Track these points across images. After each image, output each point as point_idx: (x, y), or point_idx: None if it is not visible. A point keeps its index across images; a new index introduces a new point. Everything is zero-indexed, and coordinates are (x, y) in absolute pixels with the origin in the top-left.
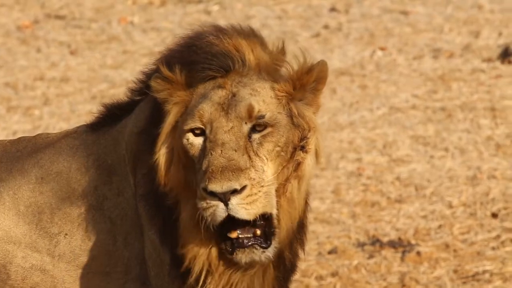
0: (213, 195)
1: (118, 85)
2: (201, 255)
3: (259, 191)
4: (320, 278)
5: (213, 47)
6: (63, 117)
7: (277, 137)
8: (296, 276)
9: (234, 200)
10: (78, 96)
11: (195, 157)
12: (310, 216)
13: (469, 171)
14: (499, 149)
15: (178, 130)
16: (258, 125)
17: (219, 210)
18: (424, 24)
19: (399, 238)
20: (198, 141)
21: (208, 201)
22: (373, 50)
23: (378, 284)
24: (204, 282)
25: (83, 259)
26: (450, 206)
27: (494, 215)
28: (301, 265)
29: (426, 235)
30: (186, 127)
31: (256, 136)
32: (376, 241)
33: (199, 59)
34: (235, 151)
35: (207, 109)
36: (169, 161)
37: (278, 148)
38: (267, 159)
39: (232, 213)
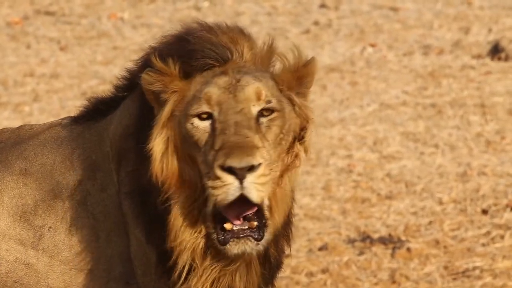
0: (230, 171)
1: (108, 81)
2: (187, 249)
3: (269, 173)
4: (310, 274)
5: (211, 38)
6: (53, 113)
7: (282, 123)
8: (286, 272)
9: (249, 178)
10: (68, 92)
11: (200, 141)
12: (301, 213)
13: (459, 167)
14: (489, 146)
15: (174, 120)
16: (266, 110)
17: (233, 189)
18: (414, 20)
19: (390, 235)
20: (204, 124)
21: (222, 180)
22: (363, 46)
23: (369, 280)
24: (186, 277)
25: (66, 254)
26: (440, 202)
27: (484, 212)
28: (291, 262)
29: (416, 232)
30: (192, 112)
31: (263, 120)
32: (366, 238)
33: (197, 48)
34: (248, 130)
35: (214, 91)
36: (164, 152)
37: (281, 135)
38: (272, 144)
39: (246, 192)
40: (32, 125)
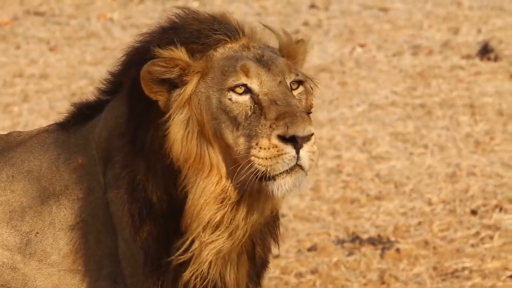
0: (291, 140)
1: (97, 82)
2: (201, 224)
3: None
4: (299, 275)
5: (207, 18)
6: (42, 113)
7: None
8: (276, 273)
9: (306, 147)
10: (58, 92)
11: (240, 115)
12: (290, 213)
13: (448, 168)
14: (478, 146)
15: (197, 98)
16: (294, 82)
17: (289, 158)
18: (404, 20)
19: (379, 235)
20: (243, 98)
21: (279, 149)
22: (352, 47)
23: (358, 281)
24: (188, 249)
25: (55, 257)
26: (430, 203)
27: (473, 212)
28: (281, 263)
29: (405, 232)
30: (230, 85)
31: (294, 92)
32: (355, 238)
33: (203, 27)
34: (296, 100)
35: (251, 64)
36: (183, 132)
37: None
38: None
39: (301, 162)
40: (20, 132)
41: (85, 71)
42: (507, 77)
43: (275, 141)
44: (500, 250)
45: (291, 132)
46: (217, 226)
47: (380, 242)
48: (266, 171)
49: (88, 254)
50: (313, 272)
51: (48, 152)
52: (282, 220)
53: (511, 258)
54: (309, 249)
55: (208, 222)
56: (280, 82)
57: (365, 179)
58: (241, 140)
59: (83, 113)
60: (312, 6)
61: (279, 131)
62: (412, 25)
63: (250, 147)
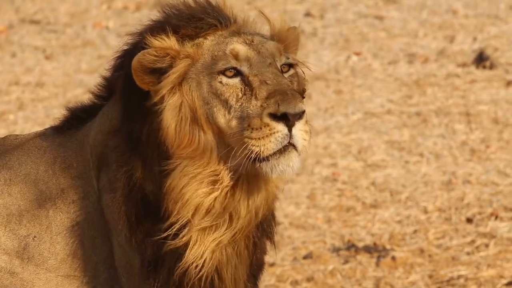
0: (283, 118)
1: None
2: (190, 205)
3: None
4: (295, 283)
5: (199, 3)
6: (38, 122)
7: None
8: (272, 281)
9: (297, 125)
10: (53, 100)
11: (231, 98)
12: (286, 221)
13: (444, 176)
14: (474, 154)
15: (188, 83)
16: (284, 65)
17: (282, 136)
18: (399, 29)
19: (374, 243)
20: (234, 81)
21: (271, 127)
22: (348, 55)
23: None
24: (177, 234)
25: (52, 262)
26: (425, 211)
27: (469, 220)
28: (276, 270)
29: (401, 240)
30: (219, 69)
31: (285, 75)
32: (351, 246)
33: (195, 12)
34: (285, 80)
35: (240, 47)
36: (177, 118)
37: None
38: None
39: (293, 140)
40: (17, 135)
41: (81, 79)
42: (503, 85)
43: (266, 119)
44: (496, 258)
45: (282, 109)
46: (208, 211)
47: (375, 250)
48: (260, 151)
49: (85, 259)
50: (309, 280)
51: (44, 155)
52: (277, 228)
53: (507, 266)
54: (305, 257)
55: (197, 206)
56: (270, 63)
57: (361, 187)
58: (234, 122)
59: (78, 117)
60: (308, 14)
61: (270, 109)
62: (408, 33)
63: (242, 129)
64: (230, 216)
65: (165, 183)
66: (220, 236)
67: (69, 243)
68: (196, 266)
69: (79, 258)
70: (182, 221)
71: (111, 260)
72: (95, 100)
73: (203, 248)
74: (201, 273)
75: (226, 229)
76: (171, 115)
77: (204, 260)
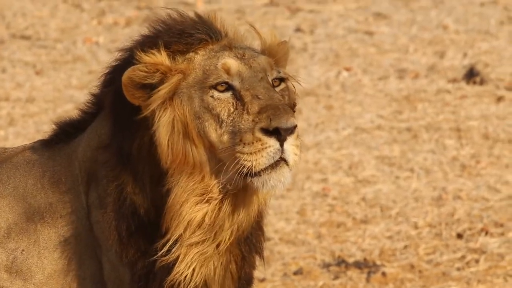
0: (275, 133)
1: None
2: (184, 221)
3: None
4: None
5: (200, 16)
6: (28, 137)
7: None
8: None
9: (289, 140)
10: (44, 116)
11: (223, 112)
12: (276, 237)
13: (434, 191)
14: (464, 170)
15: (180, 98)
16: (276, 80)
17: (273, 151)
18: (389, 44)
19: (365, 259)
20: (225, 95)
21: (263, 142)
22: (338, 70)
23: None
24: (169, 250)
25: (40, 277)
26: (416, 226)
27: (459, 236)
28: (267, 286)
29: (391, 256)
30: (211, 83)
31: (276, 89)
32: (341, 262)
33: (186, 27)
34: (277, 94)
35: (232, 62)
36: (170, 133)
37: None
38: None
39: (285, 155)
40: (5, 148)
41: (71, 95)
42: (493, 101)
43: (258, 134)
44: (486, 274)
45: (274, 124)
46: (198, 226)
47: (366, 266)
48: (252, 166)
49: (72, 275)
50: None
51: (33, 169)
52: (267, 243)
53: (497, 282)
54: (295, 273)
55: (189, 221)
56: (261, 78)
57: (351, 203)
58: (225, 137)
59: (66, 132)
60: (298, 29)
61: (262, 124)
62: (398, 48)
63: (234, 144)
64: None
65: (166, 200)
66: (204, 248)
67: (56, 258)
68: (185, 279)
69: (66, 273)
70: (175, 237)
71: (98, 276)
72: (84, 115)
73: (190, 261)
74: (189, 286)
75: (211, 242)
76: (165, 131)
77: (192, 274)
